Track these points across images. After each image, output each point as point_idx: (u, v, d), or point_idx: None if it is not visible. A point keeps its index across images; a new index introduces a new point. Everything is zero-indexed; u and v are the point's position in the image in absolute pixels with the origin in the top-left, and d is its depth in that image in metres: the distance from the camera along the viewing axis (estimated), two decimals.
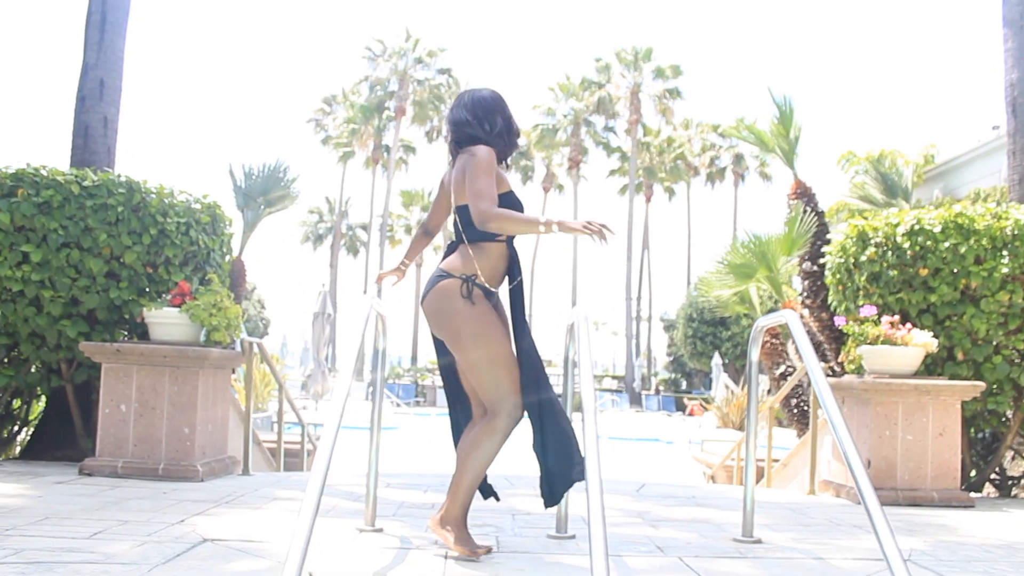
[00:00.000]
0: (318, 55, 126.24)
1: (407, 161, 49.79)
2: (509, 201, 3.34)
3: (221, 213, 6.38)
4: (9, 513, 3.86)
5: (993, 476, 6.44)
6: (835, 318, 6.41)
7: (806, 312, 8.32)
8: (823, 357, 7.86)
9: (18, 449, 6.47)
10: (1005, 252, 5.72)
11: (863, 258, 6.08)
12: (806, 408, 8.17)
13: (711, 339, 33.69)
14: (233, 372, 7.72)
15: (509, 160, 3.60)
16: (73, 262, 5.52)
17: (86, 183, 5.60)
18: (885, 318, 5.64)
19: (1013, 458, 6.69)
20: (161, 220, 5.72)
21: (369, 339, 3.72)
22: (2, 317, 5.56)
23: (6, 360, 5.90)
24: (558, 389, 3.78)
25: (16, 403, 6.33)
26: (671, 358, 45.60)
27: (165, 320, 5.40)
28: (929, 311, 5.91)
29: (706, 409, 21.47)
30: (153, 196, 5.76)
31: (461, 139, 3.46)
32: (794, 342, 8.45)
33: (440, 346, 3.48)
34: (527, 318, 3.39)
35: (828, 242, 7.49)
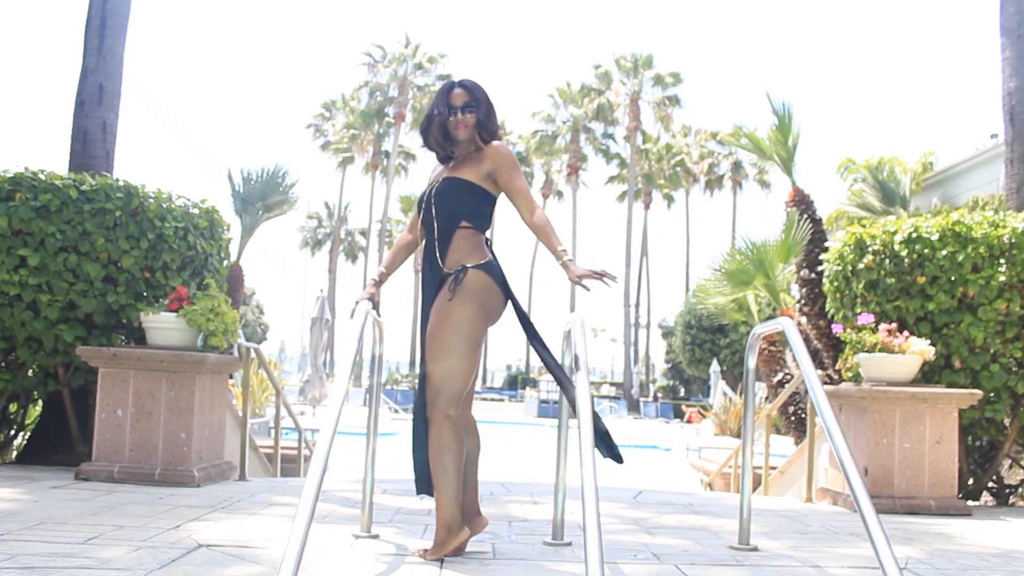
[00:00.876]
0: (318, 60, 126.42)
1: (406, 167, 49.90)
2: None
3: (219, 218, 6.38)
4: (4, 518, 3.85)
5: (990, 484, 6.43)
6: (833, 325, 6.41)
7: (804, 319, 8.32)
8: (820, 364, 7.86)
9: (14, 453, 6.46)
10: (1003, 260, 5.73)
11: (861, 266, 6.09)
12: (803, 416, 8.17)
13: (709, 346, 33.72)
14: (231, 377, 7.71)
15: None
16: (71, 266, 5.51)
17: (84, 187, 5.60)
18: (883, 326, 5.65)
19: (1010, 466, 6.68)
20: (159, 225, 5.72)
21: (367, 345, 3.72)
22: None
23: (3, 364, 5.89)
24: (553, 396, 3.78)
25: (13, 407, 6.31)
26: (669, 365, 45.61)
27: (162, 325, 5.39)
28: (926, 319, 5.91)
29: (704, 416, 21.45)
30: (151, 201, 5.76)
31: (492, 131, 3.50)
32: (791, 349, 8.48)
33: None
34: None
35: (826, 249, 7.49)
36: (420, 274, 3.53)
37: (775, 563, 3.59)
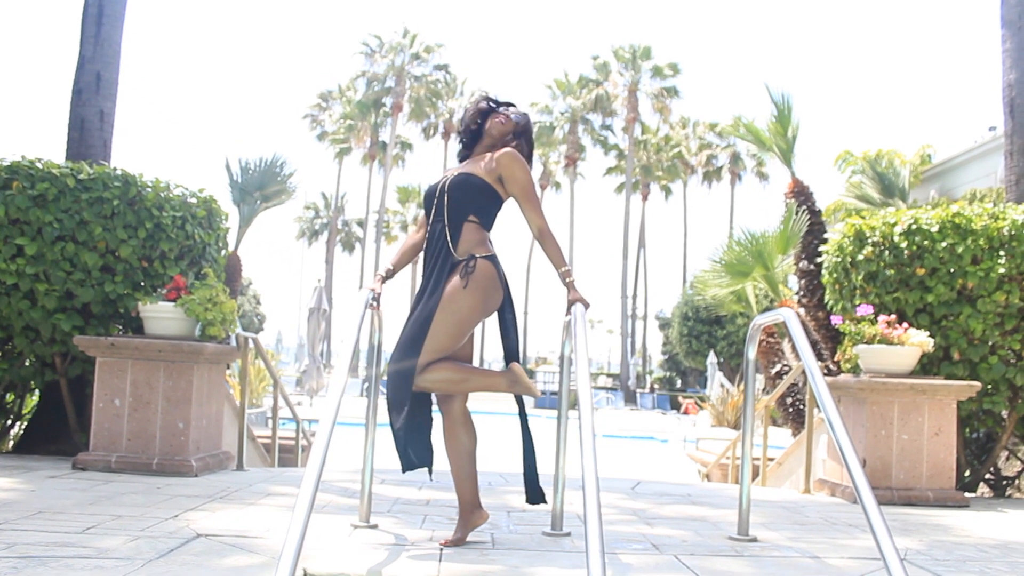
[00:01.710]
0: (314, 50, 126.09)
1: (404, 158, 49.80)
2: None
3: (217, 207, 6.35)
4: (2, 507, 3.84)
5: (988, 476, 6.44)
6: (831, 317, 6.40)
7: (802, 311, 8.31)
8: (819, 356, 7.85)
9: (11, 443, 6.44)
10: (1002, 252, 5.72)
11: (860, 257, 6.08)
12: (801, 407, 8.17)
13: (706, 338, 33.74)
14: (228, 368, 7.70)
15: None
16: (68, 255, 5.49)
17: (82, 176, 5.57)
18: (882, 317, 5.64)
19: (1007, 458, 6.69)
20: (157, 214, 5.69)
21: (366, 334, 3.71)
22: None
23: (0, 353, 5.87)
24: (553, 387, 3.81)
25: (10, 397, 6.30)
26: (666, 356, 45.65)
27: (160, 314, 5.37)
28: (925, 311, 5.91)
29: (701, 407, 21.49)
30: (149, 190, 5.74)
31: (529, 143, 3.82)
32: (791, 340, 8.48)
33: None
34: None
35: (825, 241, 7.49)
36: (428, 259, 3.54)
37: (774, 554, 3.59)
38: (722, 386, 21.14)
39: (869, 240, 6.08)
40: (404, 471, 3.56)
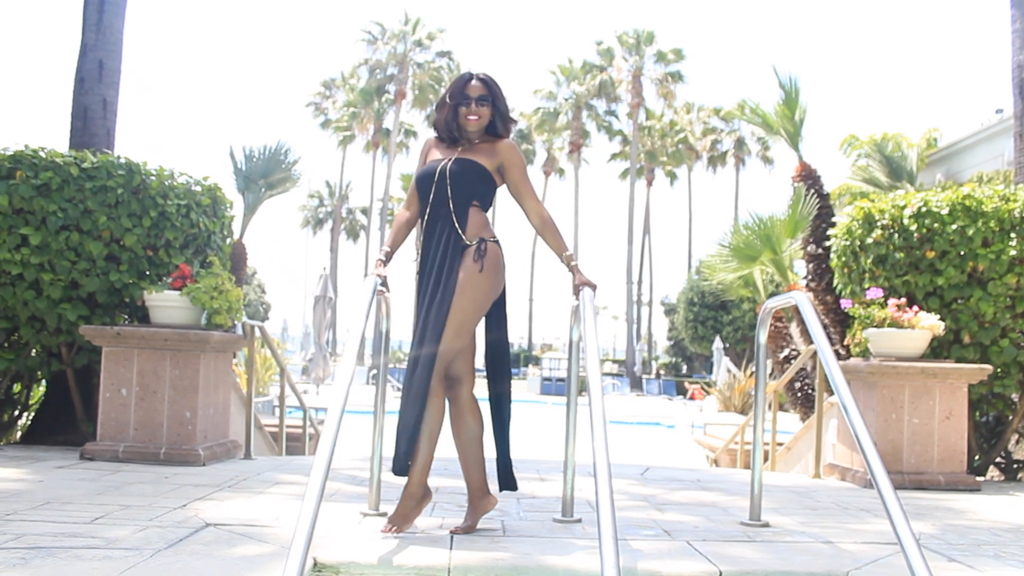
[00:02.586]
0: (317, 38, 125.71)
1: (407, 145, 49.66)
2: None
3: (222, 195, 6.32)
4: (10, 498, 3.83)
5: (998, 460, 6.41)
6: (841, 301, 6.36)
7: (810, 295, 8.27)
8: (828, 340, 7.82)
9: (19, 434, 6.44)
10: (1013, 234, 5.67)
11: (869, 240, 6.03)
12: (810, 392, 8.14)
13: (712, 323, 33.72)
14: (234, 356, 7.68)
15: None
16: (73, 245, 5.46)
17: (85, 165, 5.54)
18: (892, 301, 5.60)
19: (1018, 441, 6.65)
20: (161, 202, 5.66)
21: (374, 320, 3.68)
22: (1, 301, 5.52)
23: (6, 344, 5.86)
24: (561, 372, 3.79)
25: (17, 387, 6.29)
26: (672, 342, 45.62)
27: (166, 303, 5.35)
28: (936, 294, 5.86)
29: (707, 393, 21.48)
30: (153, 178, 5.70)
31: (506, 124, 3.65)
32: (800, 324, 8.44)
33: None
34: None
35: (833, 224, 7.43)
36: (432, 243, 3.51)
37: (787, 539, 3.57)
38: (728, 371, 21.11)
39: (878, 223, 6.02)
40: (397, 473, 3.49)
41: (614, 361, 49.18)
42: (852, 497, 4.89)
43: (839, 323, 7.59)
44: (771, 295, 13.78)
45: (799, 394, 8.53)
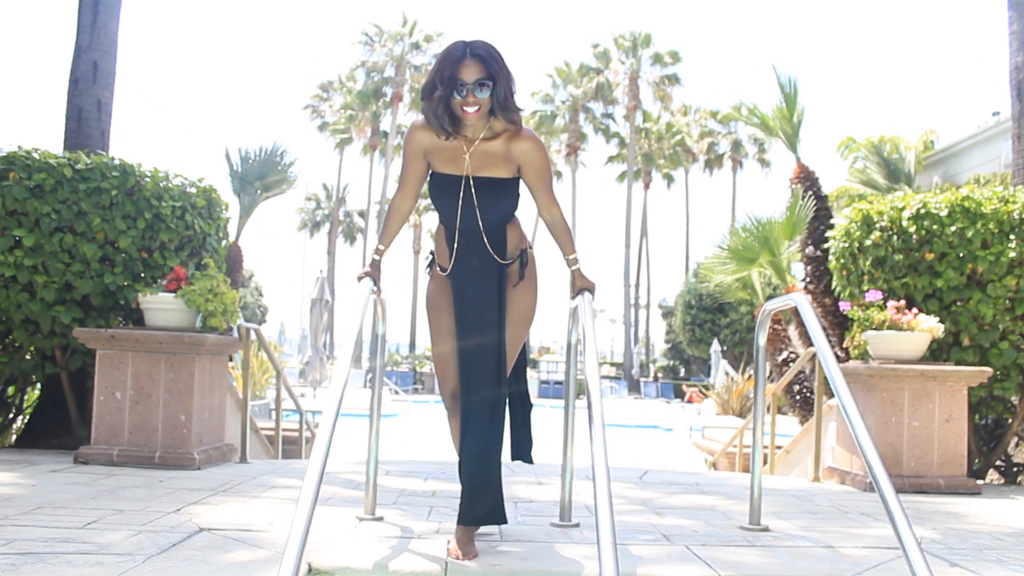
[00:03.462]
0: (314, 40, 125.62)
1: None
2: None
3: (217, 197, 6.28)
4: (2, 502, 3.79)
5: (998, 463, 6.38)
6: (840, 303, 6.33)
7: (808, 297, 8.24)
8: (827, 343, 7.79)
9: (13, 437, 6.39)
10: (1012, 236, 5.64)
11: (868, 242, 6.00)
12: (809, 395, 8.11)
13: (710, 326, 33.66)
14: (230, 359, 7.64)
15: None
16: (66, 247, 5.42)
17: (79, 166, 5.50)
18: (891, 303, 5.57)
19: (1017, 444, 6.62)
20: (156, 204, 5.62)
21: (368, 324, 3.64)
22: None
23: (0, 347, 5.82)
24: (559, 375, 3.74)
25: (11, 391, 6.24)
26: (669, 345, 45.54)
27: (161, 306, 5.31)
28: (935, 296, 5.84)
29: (705, 396, 21.44)
30: (148, 180, 5.66)
31: (512, 108, 3.13)
32: (799, 326, 8.41)
33: None
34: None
35: (831, 226, 7.40)
36: (466, 258, 3.28)
37: (787, 543, 3.53)
38: (727, 374, 21.08)
39: (877, 225, 6.00)
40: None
41: (612, 364, 49.11)
42: (852, 501, 4.85)
43: (837, 325, 7.57)
44: (769, 297, 13.76)
45: (798, 397, 8.50)
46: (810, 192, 8.52)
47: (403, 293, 50.97)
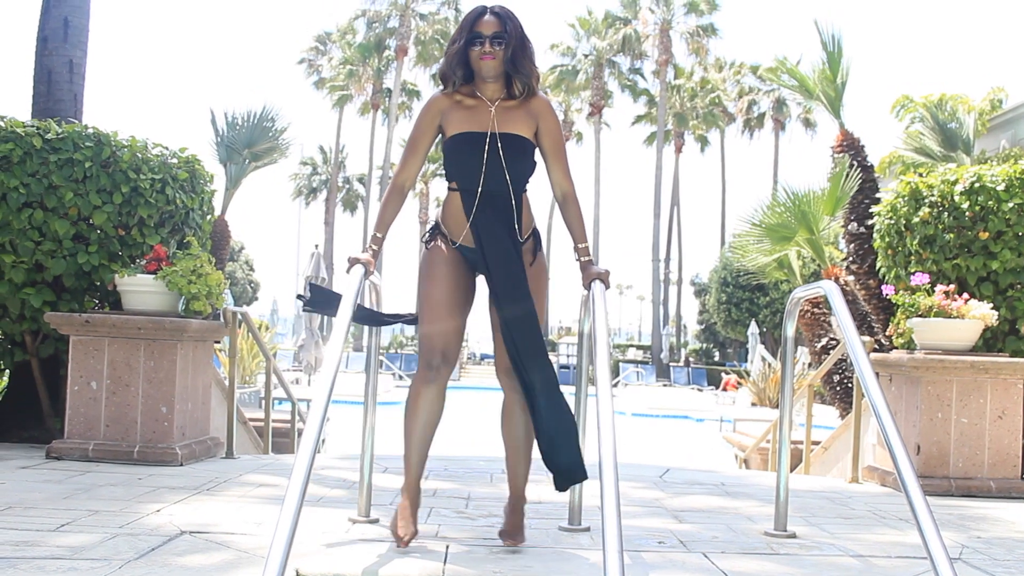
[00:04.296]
0: None
1: (410, 107, 49.58)
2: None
3: (201, 168, 6.37)
4: None
5: None
6: (883, 287, 6.37)
7: (851, 279, 8.28)
8: (869, 329, 7.83)
9: None
10: None
11: (916, 219, 6.03)
12: (850, 385, 8.16)
13: (747, 305, 33.67)
14: (218, 341, 7.76)
15: None
16: (36, 224, 5.52)
17: (49, 136, 5.59)
18: (939, 287, 5.60)
19: None
20: (134, 177, 5.71)
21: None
22: None
23: None
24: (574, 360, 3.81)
25: None
26: (702, 326, 45.64)
27: (139, 288, 5.41)
28: (989, 279, 5.87)
29: (741, 383, 21.49)
30: (125, 150, 5.75)
31: (528, 70, 3.44)
32: (835, 315, 8.43)
33: None
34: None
35: (877, 201, 7.42)
36: (488, 233, 3.38)
37: (814, 552, 3.61)
38: (764, 360, 21.10)
39: (926, 200, 6.03)
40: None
41: (638, 347, 49.28)
42: (891, 504, 4.92)
43: (882, 310, 7.61)
44: (810, 276, 13.74)
45: (838, 387, 8.55)
46: (855, 162, 8.52)
47: (409, 268, 51.04)
